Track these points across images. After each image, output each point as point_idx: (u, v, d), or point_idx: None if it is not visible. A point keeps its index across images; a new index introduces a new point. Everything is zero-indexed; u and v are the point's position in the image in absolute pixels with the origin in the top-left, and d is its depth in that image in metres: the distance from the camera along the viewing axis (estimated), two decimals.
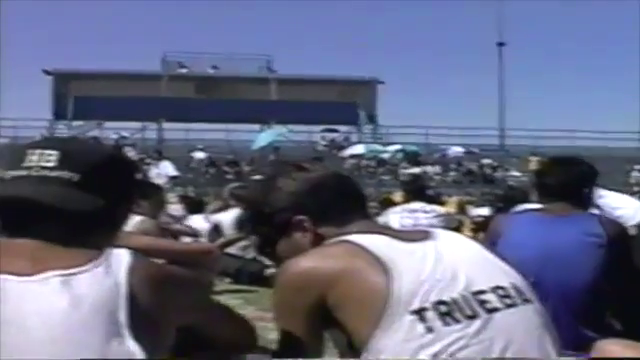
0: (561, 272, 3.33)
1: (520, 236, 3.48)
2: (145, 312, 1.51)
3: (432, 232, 2.07)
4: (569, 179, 3.67)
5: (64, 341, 1.41)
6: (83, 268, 1.50)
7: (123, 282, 1.50)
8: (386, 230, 2.10)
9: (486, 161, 36.95)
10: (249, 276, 7.39)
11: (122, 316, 1.46)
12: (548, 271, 3.27)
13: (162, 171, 18.73)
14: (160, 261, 2.99)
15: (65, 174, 1.62)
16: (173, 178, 18.46)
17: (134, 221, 4.39)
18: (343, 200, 2.14)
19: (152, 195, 5.53)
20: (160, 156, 20.86)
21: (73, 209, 1.59)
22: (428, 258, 1.91)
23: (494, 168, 36.37)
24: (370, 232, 2.00)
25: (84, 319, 1.43)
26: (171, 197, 8.72)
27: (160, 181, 16.27)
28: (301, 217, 2.11)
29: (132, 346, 1.45)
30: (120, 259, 1.56)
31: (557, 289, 3.22)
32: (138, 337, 1.46)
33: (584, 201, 3.71)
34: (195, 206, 10.45)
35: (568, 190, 3.64)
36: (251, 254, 8.01)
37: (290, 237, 2.14)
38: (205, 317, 1.81)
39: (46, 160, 1.63)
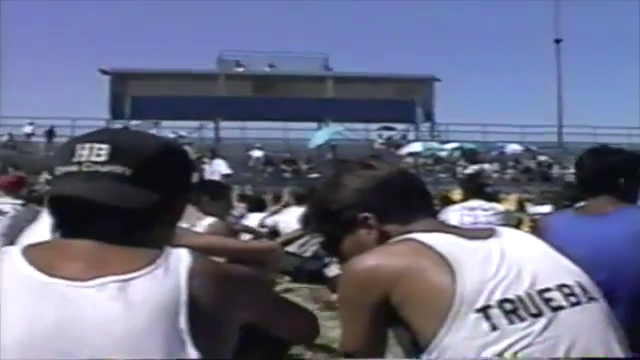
0: (612, 271, 3.07)
1: (566, 236, 3.30)
2: (207, 315, 1.46)
3: (497, 230, 2.07)
4: (599, 170, 3.43)
5: (122, 351, 1.36)
6: (141, 272, 1.46)
7: (183, 285, 1.46)
8: (451, 228, 2.10)
9: (544, 158, 36.52)
10: (308, 274, 7.41)
11: (182, 321, 1.42)
12: (598, 271, 3.05)
13: (215, 169, 18.76)
14: (221, 260, 3.03)
15: (117, 169, 1.56)
16: (226, 176, 18.47)
17: (205, 222, 4.42)
18: (408, 198, 2.15)
19: (223, 196, 5.56)
20: (214, 155, 20.92)
21: (127, 206, 1.53)
22: (493, 256, 1.91)
23: (552, 165, 35.91)
24: (435, 230, 2.01)
25: (143, 327, 1.38)
26: None
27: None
28: (366, 214, 2.12)
29: (193, 353, 1.40)
30: (180, 260, 1.52)
31: (608, 288, 3.03)
32: (199, 342, 1.41)
33: (628, 193, 3.42)
34: (256, 205, 10.52)
35: (601, 182, 3.39)
36: (309, 252, 8.05)
37: (355, 235, 2.15)
38: (267, 313, 1.78)
39: (97, 154, 1.57)
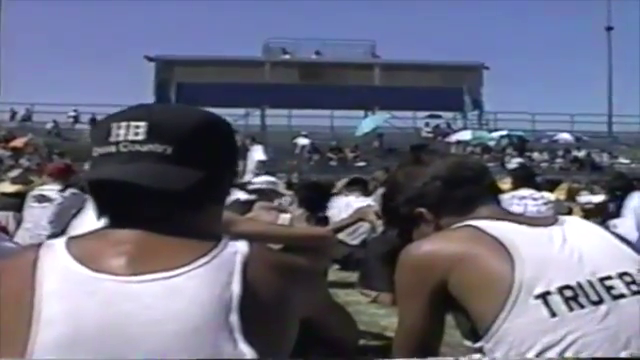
0: None
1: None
2: (263, 309, 1.39)
3: (559, 218, 2.08)
4: None
5: (172, 351, 1.28)
6: (191, 266, 1.37)
7: (237, 278, 1.37)
8: (511, 215, 2.11)
9: (594, 148, 36.09)
10: (356, 263, 7.42)
11: (234, 318, 1.32)
12: None
13: (252, 155, 18.73)
14: (275, 246, 3.04)
15: (157, 147, 1.47)
16: (261, 163, 18.42)
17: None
18: (465, 188, 2.17)
19: None
20: (253, 141, 20.90)
21: (173, 188, 1.43)
22: (554, 242, 1.92)
23: (602, 155, 35.48)
24: (494, 218, 2.03)
25: (193, 326, 1.30)
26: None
27: (250, 166, 16.37)
28: (421, 210, 2.18)
29: (247, 351, 1.31)
30: (236, 253, 1.43)
31: None
32: (254, 339, 1.32)
33: None
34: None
35: None
36: (357, 240, 8.07)
37: (419, 228, 2.21)
38: (322, 311, 1.72)
39: (134, 133, 1.48)
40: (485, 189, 2.21)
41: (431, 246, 1.99)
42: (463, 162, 2.33)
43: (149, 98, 39.38)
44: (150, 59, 41.20)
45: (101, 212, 1.54)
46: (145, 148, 1.47)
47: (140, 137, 1.47)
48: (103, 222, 1.54)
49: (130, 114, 1.53)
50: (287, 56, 42.22)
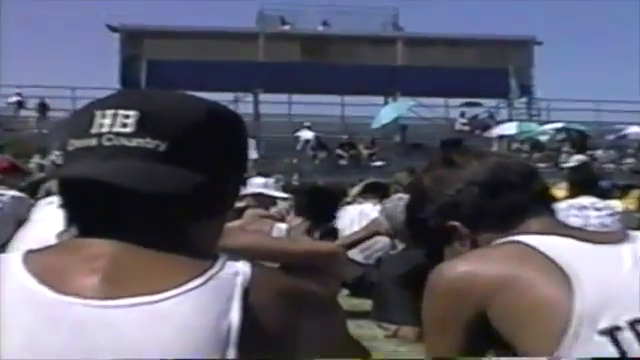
0: None
1: None
2: (269, 344, 1.38)
3: (630, 234, 2.06)
4: None
5: None
6: (181, 289, 1.36)
7: (237, 307, 1.36)
8: (570, 230, 2.08)
9: None
10: (371, 287, 7.40)
11: (232, 353, 1.32)
12: None
13: None
14: (273, 264, 3.03)
15: (148, 142, 1.46)
16: (253, 161, 18.61)
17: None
18: (507, 197, 2.16)
19: None
20: None
21: (163, 192, 1.42)
22: (623, 264, 1.90)
23: None
24: (548, 232, 2.00)
25: None
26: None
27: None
28: (454, 223, 2.17)
29: None
30: (236, 275, 1.41)
31: None
32: None
33: None
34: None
35: None
36: (373, 259, 8.05)
37: (451, 245, 2.21)
38: (336, 350, 1.65)
39: (122, 124, 1.47)
40: (535, 196, 2.19)
41: (467, 267, 1.97)
42: (507, 163, 2.30)
43: (112, 79, 39.58)
44: (114, 29, 41.26)
45: (72, 218, 1.53)
46: (133, 142, 1.46)
47: (129, 129, 1.47)
48: (68, 232, 1.54)
49: (119, 100, 1.54)
50: (286, 27, 42.35)
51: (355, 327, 6.03)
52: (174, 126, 1.49)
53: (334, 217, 6.43)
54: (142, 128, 1.47)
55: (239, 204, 7.32)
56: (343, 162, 33.11)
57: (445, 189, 2.20)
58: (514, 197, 2.15)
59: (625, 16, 79.09)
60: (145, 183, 1.42)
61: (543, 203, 2.20)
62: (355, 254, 7.81)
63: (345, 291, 7.83)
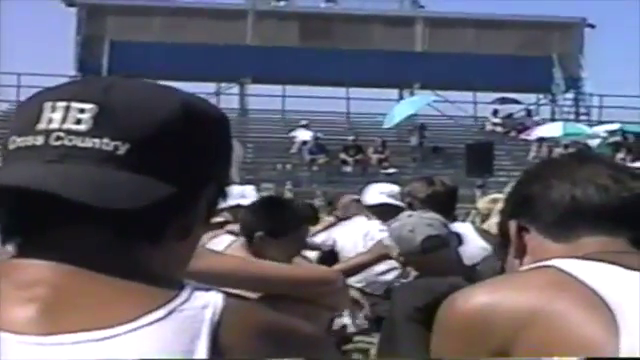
0: None
1: None
2: None
3: None
4: None
5: None
6: (136, 324, 1.33)
7: (204, 347, 1.33)
8: (617, 256, 2.07)
9: None
10: (378, 321, 7.43)
11: None
12: None
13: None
14: (254, 294, 3.02)
15: (105, 143, 1.41)
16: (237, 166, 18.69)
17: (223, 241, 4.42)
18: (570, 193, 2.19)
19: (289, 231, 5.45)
20: None
21: (116, 205, 1.38)
22: None
23: None
24: (593, 258, 1.99)
25: None
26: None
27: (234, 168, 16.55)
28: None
29: None
30: (203, 308, 1.39)
31: None
32: None
33: None
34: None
35: None
36: (381, 289, 8.06)
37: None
38: None
39: (75, 119, 1.43)
40: (609, 211, 2.19)
41: (488, 297, 1.97)
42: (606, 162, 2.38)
43: (67, 63, 39.66)
44: (71, 4, 41.31)
45: (8, 235, 1.48)
46: (88, 143, 1.42)
47: (83, 126, 1.42)
48: (3, 250, 1.51)
49: (74, 90, 1.49)
50: (282, 3, 42.41)
51: None
52: (139, 124, 1.45)
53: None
54: (99, 125, 1.43)
55: (217, 219, 7.35)
56: (347, 169, 33.22)
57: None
58: (581, 195, 2.17)
59: None
60: (97, 195, 1.37)
61: (616, 222, 2.19)
62: (359, 282, 7.85)
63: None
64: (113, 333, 1.30)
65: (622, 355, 1.77)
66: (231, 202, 7.80)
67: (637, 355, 1.77)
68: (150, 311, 1.33)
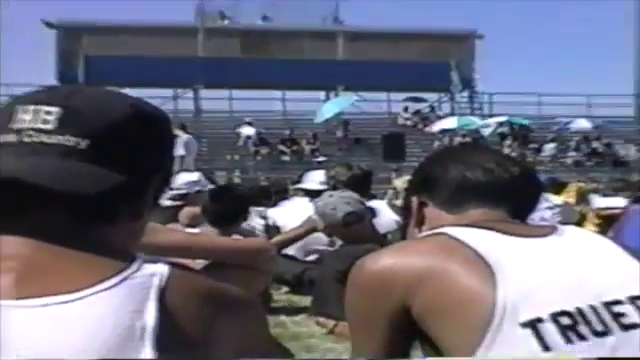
0: None
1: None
2: (185, 345, 1.38)
3: (558, 228, 2.09)
4: None
5: None
6: (92, 290, 1.34)
7: (152, 308, 1.36)
8: (499, 224, 2.09)
9: (616, 138, 36.47)
10: (310, 284, 7.41)
11: (148, 354, 1.30)
12: None
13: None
14: (200, 262, 3.01)
15: (68, 139, 1.45)
16: (180, 158, 18.56)
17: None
18: (461, 172, 2.25)
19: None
20: (183, 130, 20.99)
21: (78, 191, 1.41)
22: (548, 258, 1.92)
23: (627, 147, 35.89)
24: (476, 225, 2.03)
25: None
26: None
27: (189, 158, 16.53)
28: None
29: None
30: (151, 276, 1.41)
31: None
32: None
33: None
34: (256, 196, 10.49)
35: None
36: (313, 256, 8.05)
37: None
38: (257, 355, 1.62)
39: (42, 120, 1.46)
40: (492, 186, 2.25)
41: (390, 260, 1.99)
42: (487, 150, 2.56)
43: (48, 75, 39.19)
44: (50, 25, 40.89)
45: None
46: (53, 139, 1.45)
47: (49, 126, 1.46)
48: None
49: (42, 97, 1.52)
50: (226, 22, 42.28)
51: (293, 324, 6.06)
52: (96, 123, 1.48)
53: (244, 218, 6.41)
54: (63, 125, 1.46)
55: (175, 203, 7.30)
56: (285, 158, 33.14)
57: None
58: (470, 175, 2.22)
59: (565, 8, 79.86)
60: (61, 182, 1.41)
61: (497, 197, 2.22)
62: (295, 251, 7.83)
63: (285, 288, 7.85)
64: (76, 297, 1.32)
65: (498, 302, 1.79)
66: (179, 192, 7.78)
67: (509, 302, 1.79)
68: (106, 278, 1.36)
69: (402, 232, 2.53)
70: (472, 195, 2.19)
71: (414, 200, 2.32)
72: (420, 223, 2.29)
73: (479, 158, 2.26)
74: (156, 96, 38.05)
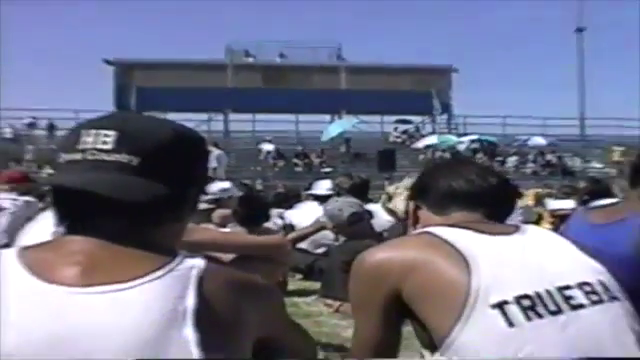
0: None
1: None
2: (218, 325, 1.41)
3: (521, 227, 2.11)
4: None
5: None
6: (143, 280, 1.39)
7: (192, 294, 1.39)
8: (473, 224, 2.11)
9: (566, 152, 36.40)
10: (320, 272, 7.41)
11: (189, 332, 1.34)
12: None
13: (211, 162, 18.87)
14: (229, 256, 3.03)
15: (123, 157, 1.47)
16: (214, 169, 18.55)
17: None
18: (449, 183, 2.27)
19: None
20: (216, 147, 21.01)
21: (133, 200, 1.44)
22: (512, 251, 1.94)
23: (574, 159, 35.82)
24: (455, 225, 2.06)
25: (145, 339, 1.32)
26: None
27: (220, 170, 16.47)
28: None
29: None
30: (191, 268, 1.45)
31: None
32: (209, 354, 1.35)
33: None
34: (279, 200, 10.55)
35: None
36: (321, 249, 8.04)
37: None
38: (278, 331, 1.69)
39: (102, 142, 1.49)
40: (471, 194, 2.26)
41: (384, 254, 2.02)
42: (470, 163, 2.61)
43: (108, 103, 39.21)
44: (109, 62, 40.94)
45: (60, 220, 1.54)
46: (111, 157, 1.48)
47: (108, 146, 1.49)
48: (51, 232, 1.55)
49: (102, 122, 1.54)
50: (250, 59, 42.17)
51: (305, 305, 6.06)
52: (145, 144, 1.50)
53: (266, 219, 6.46)
54: (119, 145, 1.49)
55: (209, 206, 7.29)
56: (298, 169, 33.05)
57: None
58: (455, 185, 2.25)
59: (526, 43, 79.78)
60: (119, 192, 1.44)
61: (475, 202, 2.23)
62: (307, 245, 7.83)
63: (298, 275, 7.85)
64: (128, 285, 1.38)
65: (472, 287, 1.81)
66: (213, 197, 7.77)
67: (482, 288, 1.81)
68: (154, 270, 1.41)
69: (404, 229, 2.56)
70: (455, 201, 2.22)
71: (411, 204, 2.37)
72: (415, 223, 2.34)
73: (463, 171, 2.28)
74: (193, 120, 38.14)
